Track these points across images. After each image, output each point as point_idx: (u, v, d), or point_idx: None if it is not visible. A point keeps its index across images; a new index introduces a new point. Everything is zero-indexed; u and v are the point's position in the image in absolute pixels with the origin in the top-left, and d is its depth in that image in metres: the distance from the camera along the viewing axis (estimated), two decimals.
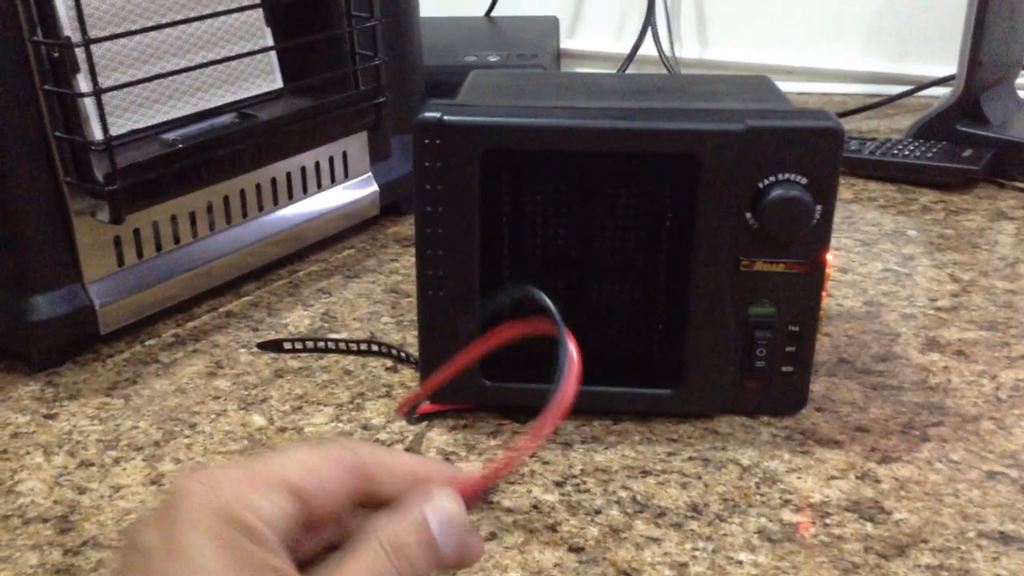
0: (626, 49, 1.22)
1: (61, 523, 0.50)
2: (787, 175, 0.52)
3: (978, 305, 0.70)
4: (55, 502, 0.52)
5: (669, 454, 0.55)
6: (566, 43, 1.30)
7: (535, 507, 0.50)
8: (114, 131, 0.63)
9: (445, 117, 0.52)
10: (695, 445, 0.55)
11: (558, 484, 0.52)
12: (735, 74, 0.66)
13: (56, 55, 0.58)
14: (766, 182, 0.52)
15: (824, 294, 0.55)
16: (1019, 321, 0.68)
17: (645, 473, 0.53)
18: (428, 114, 0.52)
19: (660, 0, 1.25)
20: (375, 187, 0.82)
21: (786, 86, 1.24)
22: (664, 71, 1.22)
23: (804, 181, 0.52)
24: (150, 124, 0.66)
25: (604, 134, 0.52)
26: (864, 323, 0.68)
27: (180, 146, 0.65)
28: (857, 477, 0.53)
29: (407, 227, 0.85)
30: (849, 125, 1.10)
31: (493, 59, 1.05)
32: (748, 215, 0.53)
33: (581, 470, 0.53)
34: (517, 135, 0.52)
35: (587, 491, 0.52)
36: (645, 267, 0.56)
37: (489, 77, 0.63)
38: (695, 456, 0.55)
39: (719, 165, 0.52)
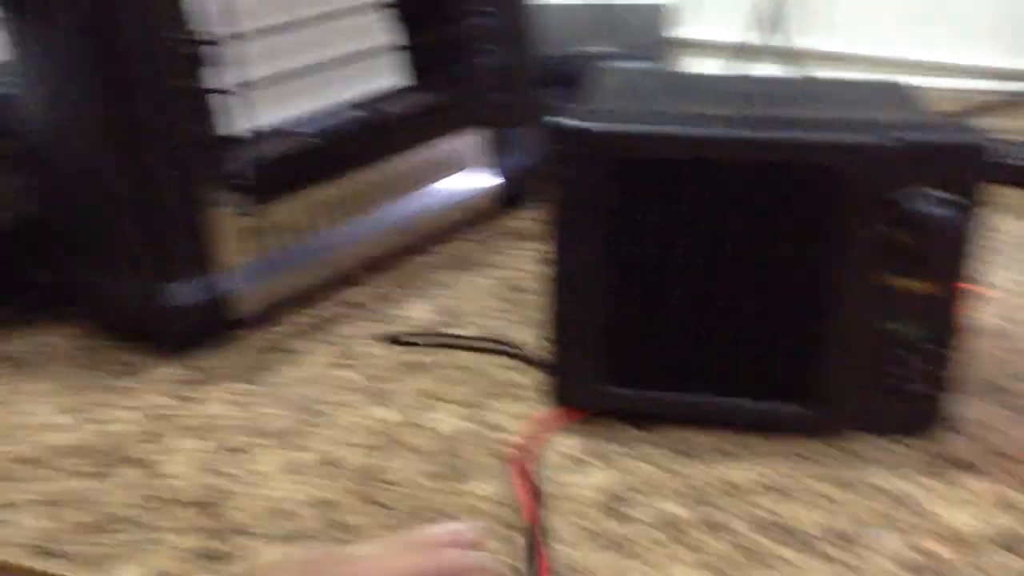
0: (740, 38, 1.20)
1: (207, 508, 0.52)
2: (931, 190, 0.51)
3: None
4: (200, 486, 0.53)
5: (801, 471, 0.54)
6: (679, 32, 1.28)
7: (667, 522, 0.50)
8: (249, 125, 0.64)
9: (581, 125, 0.52)
10: (827, 463, 0.55)
11: (688, 498, 0.52)
12: (866, 78, 0.64)
13: (197, 51, 0.59)
14: (908, 197, 0.51)
15: (965, 312, 0.54)
16: None
17: (777, 491, 0.53)
18: (565, 121, 0.52)
19: None
20: (495, 180, 0.83)
21: (914, 81, 1.20)
22: (782, 63, 1.19)
23: (948, 197, 0.51)
24: (283, 119, 0.68)
25: (748, 145, 0.51)
26: (1003, 341, 0.66)
27: (312, 141, 0.66)
28: (998, 506, 0.51)
29: (525, 221, 0.85)
30: (983, 123, 1.06)
31: (604, 50, 1.04)
32: (888, 230, 0.52)
33: (711, 485, 0.53)
34: (658, 144, 0.52)
35: (718, 507, 0.51)
36: (778, 280, 0.55)
37: (616, 76, 0.63)
38: (827, 474, 0.54)
39: (862, 178, 0.51)
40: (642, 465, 0.54)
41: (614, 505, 0.51)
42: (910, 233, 0.51)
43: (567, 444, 0.56)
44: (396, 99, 0.75)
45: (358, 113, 0.72)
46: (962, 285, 0.52)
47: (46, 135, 0.64)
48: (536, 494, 0.52)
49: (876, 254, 0.52)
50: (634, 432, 0.57)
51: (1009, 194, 0.89)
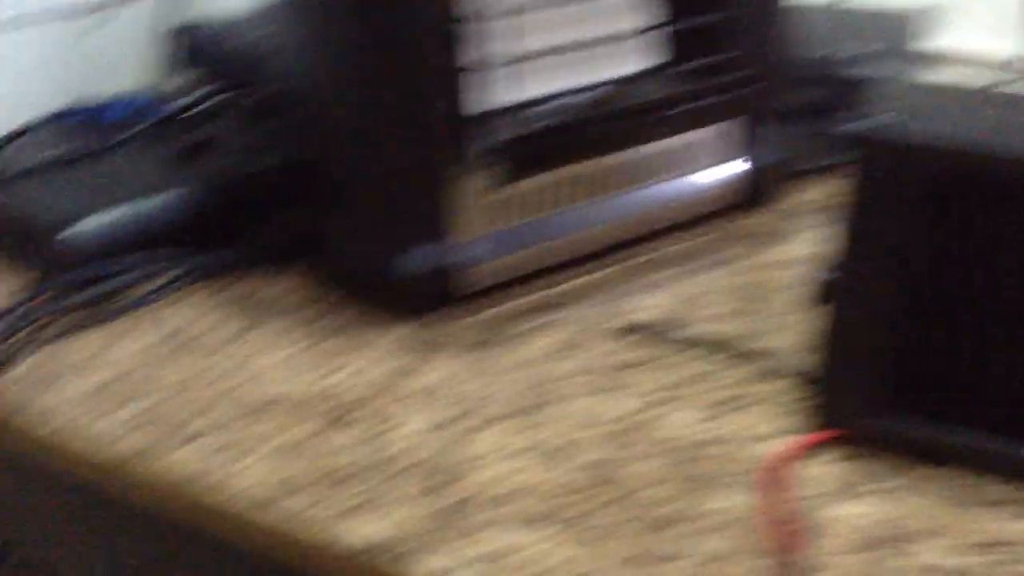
0: (1002, 49, 1.09)
1: (433, 479, 0.49)
2: None
3: None
4: (427, 455, 0.51)
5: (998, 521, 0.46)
6: (931, 41, 1.18)
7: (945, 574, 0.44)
8: (502, 97, 0.62)
9: (897, 134, 0.46)
10: None
11: (969, 548, 0.45)
12: None
13: (459, 25, 0.57)
14: None
15: None
16: None
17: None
18: (879, 127, 0.46)
19: None
20: (741, 175, 0.77)
21: None
22: None
23: None
24: (532, 96, 0.65)
25: None
26: None
27: (560, 121, 0.64)
28: None
29: (767, 219, 0.79)
30: None
31: (847, 54, 0.97)
32: None
33: (999, 538, 0.46)
34: (986, 163, 0.45)
35: (1004, 564, 0.44)
36: None
37: (909, 92, 0.56)
38: None
39: None
40: (917, 504, 0.48)
41: (881, 546, 0.45)
42: None
43: (829, 470, 0.50)
44: (652, 83, 0.70)
45: (612, 95, 0.68)
46: None
47: (306, 85, 0.64)
48: (795, 522, 0.46)
49: None
50: (909, 464, 0.50)
51: None
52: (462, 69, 0.59)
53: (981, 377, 0.48)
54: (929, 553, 0.45)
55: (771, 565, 0.44)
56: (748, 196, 0.80)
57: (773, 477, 0.49)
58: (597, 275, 0.70)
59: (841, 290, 0.50)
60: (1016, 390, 0.48)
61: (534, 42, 0.64)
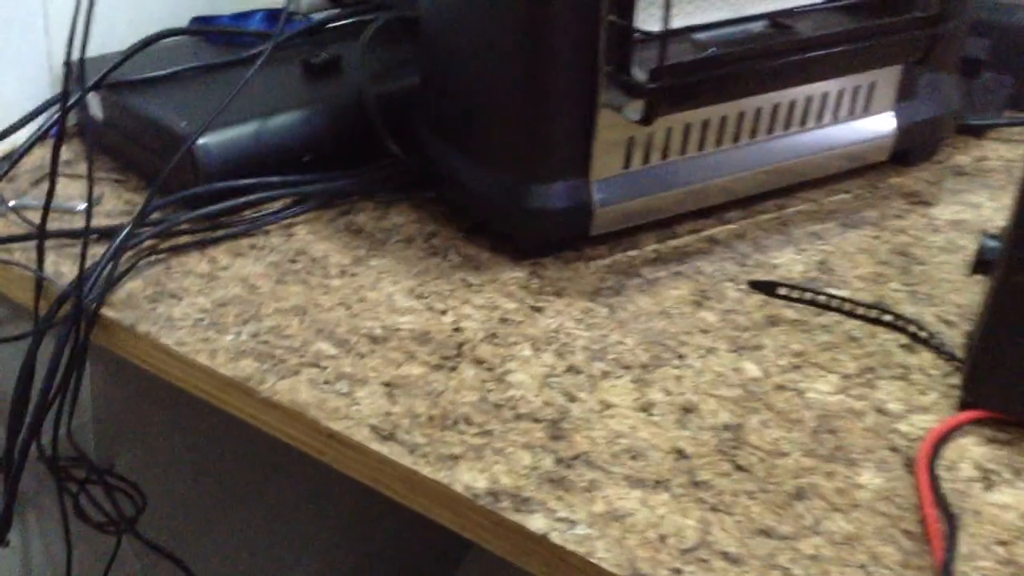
0: None
1: (552, 428, 0.47)
2: None
3: None
4: (545, 403, 0.49)
5: None
6: None
7: None
8: (651, 26, 0.58)
9: None
10: None
11: None
12: None
13: None
14: None
15: None
16: None
17: None
18: None
19: None
20: (892, 129, 0.72)
21: None
22: None
23: None
24: (688, 24, 0.61)
25: None
26: None
27: (717, 52, 0.59)
28: None
29: (914, 180, 0.73)
30: None
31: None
32: None
33: None
34: None
35: None
36: None
37: None
38: None
39: None
40: None
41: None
42: None
43: (978, 451, 0.46)
44: (817, 19, 0.65)
45: (764, 27, 0.64)
46: None
47: (444, 8, 0.61)
48: (946, 508, 0.43)
49: None
50: None
51: None
52: None
53: None
54: None
55: (916, 546, 0.41)
56: (902, 151, 0.74)
57: (923, 457, 0.45)
58: (734, 228, 0.67)
59: (1003, 262, 0.46)
60: None
61: None
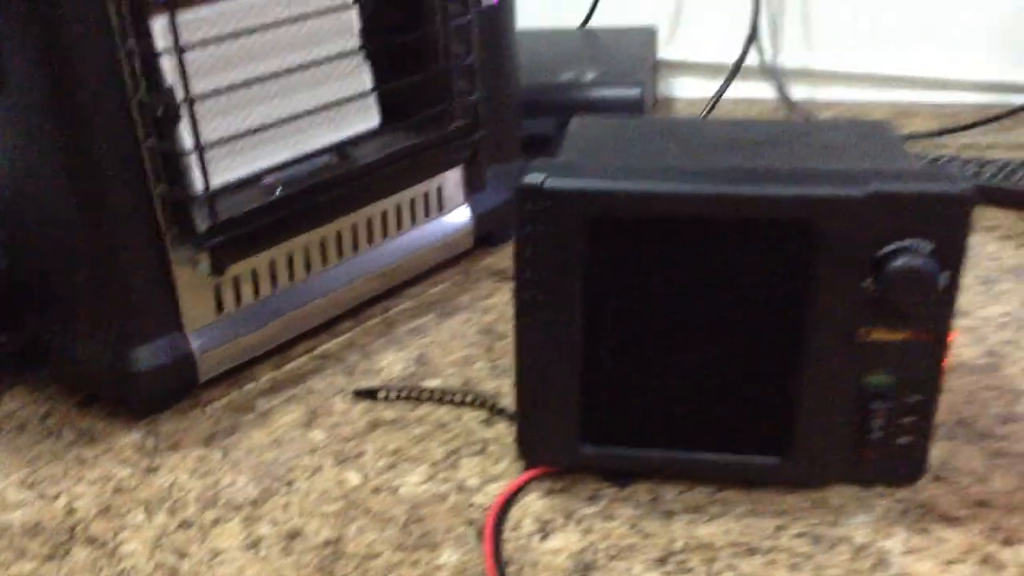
0: (726, 59, 1.18)
1: None
2: (911, 241, 0.49)
3: None
4: (157, 566, 0.52)
5: (777, 528, 0.52)
6: (665, 53, 1.27)
7: None
8: (214, 180, 0.63)
9: (548, 182, 0.50)
10: (805, 519, 0.53)
11: (660, 562, 0.50)
12: (849, 119, 0.63)
13: (160, 113, 0.58)
14: (888, 249, 0.49)
15: (947, 359, 0.52)
16: None
17: (752, 551, 0.51)
18: (531, 179, 0.50)
19: (765, 7, 1.21)
20: (470, 219, 0.81)
21: (893, 95, 1.19)
22: (767, 82, 1.17)
23: (929, 248, 0.49)
24: (251, 171, 0.66)
25: (716, 200, 0.49)
26: (984, 377, 0.64)
27: (280, 194, 0.65)
28: (979, 562, 0.49)
29: (500, 258, 0.83)
30: (964, 140, 1.05)
31: (589, 77, 1.03)
32: (867, 282, 0.50)
33: (684, 545, 0.51)
34: (625, 202, 0.50)
35: (690, 570, 0.50)
36: (755, 334, 0.53)
37: (590, 126, 0.61)
38: (805, 532, 0.52)
39: (837, 231, 0.49)
40: (615, 526, 0.53)
41: (583, 572, 0.50)
42: (891, 287, 0.49)
43: (537, 505, 0.55)
44: (370, 144, 0.73)
45: (330, 161, 0.71)
46: (945, 334, 0.51)
47: (11, 191, 0.63)
48: (501, 566, 0.50)
49: (856, 308, 0.50)
50: (608, 490, 0.55)
51: (992, 216, 0.87)
52: (174, 151, 0.59)
53: (655, 400, 0.54)
54: (624, 574, 0.50)
55: None
56: (485, 235, 0.84)
57: (490, 523, 0.52)
58: (340, 341, 0.73)
59: (521, 337, 0.54)
60: (679, 405, 0.54)
61: (248, 116, 0.65)
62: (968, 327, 0.70)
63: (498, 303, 0.76)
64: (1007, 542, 0.50)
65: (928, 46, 1.19)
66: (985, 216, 0.87)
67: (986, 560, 0.49)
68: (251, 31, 0.63)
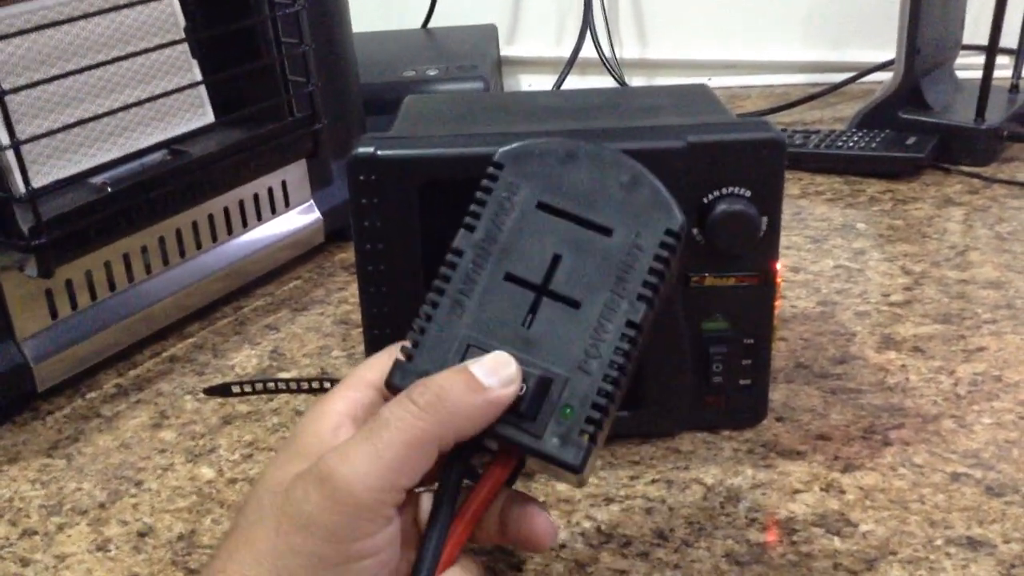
0: (566, 53, 1.21)
1: None
2: (731, 189, 0.51)
3: (931, 297, 0.70)
4: (12, 571, 0.49)
5: (632, 478, 0.54)
6: (506, 50, 1.29)
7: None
8: (38, 180, 0.60)
9: (379, 152, 0.50)
10: (657, 466, 0.54)
11: None
12: (673, 84, 0.65)
13: None
14: (710, 197, 0.51)
15: (777, 303, 0.55)
16: (972, 312, 0.68)
17: (608, 500, 0.52)
18: (361, 149, 0.50)
19: (598, 2, 1.24)
20: (318, 214, 0.81)
21: (727, 80, 1.24)
22: (606, 74, 1.21)
23: (748, 194, 0.51)
24: (77, 170, 0.64)
25: None
26: (819, 324, 0.68)
27: (109, 191, 0.63)
28: (822, 489, 0.52)
29: (352, 252, 0.83)
30: (792, 116, 1.11)
31: (432, 73, 1.04)
32: (695, 231, 0.52)
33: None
34: (453, 165, 0.51)
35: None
36: None
37: (424, 103, 0.62)
38: (658, 478, 0.54)
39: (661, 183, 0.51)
40: None
41: None
42: (716, 233, 0.52)
43: None
44: (204, 139, 0.71)
45: (161, 157, 0.69)
46: (772, 276, 0.53)
47: None
48: None
49: (687, 257, 0.52)
50: None
51: (819, 181, 0.93)
52: None
53: None
54: None
55: None
56: (337, 230, 0.83)
57: None
58: (189, 341, 0.71)
59: (366, 316, 0.53)
60: None
61: (73, 113, 0.63)
62: (802, 281, 0.74)
63: (353, 294, 0.76)
64: (846, 469, 0.53)
65: (751, 33, 1.25)
66: (815, 182, 0.92)
67: (829, 486, 0.52)
68: (62, 22, 0.61)
